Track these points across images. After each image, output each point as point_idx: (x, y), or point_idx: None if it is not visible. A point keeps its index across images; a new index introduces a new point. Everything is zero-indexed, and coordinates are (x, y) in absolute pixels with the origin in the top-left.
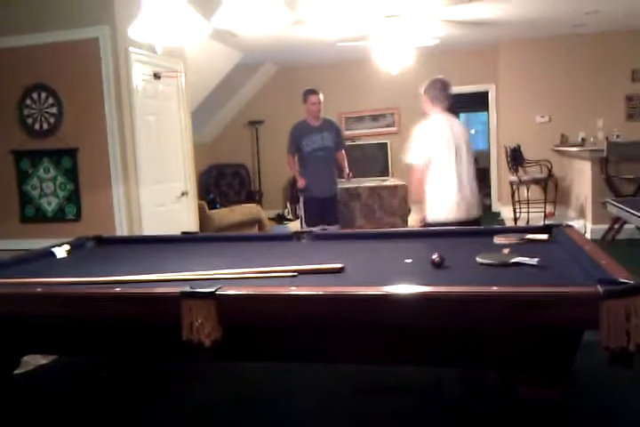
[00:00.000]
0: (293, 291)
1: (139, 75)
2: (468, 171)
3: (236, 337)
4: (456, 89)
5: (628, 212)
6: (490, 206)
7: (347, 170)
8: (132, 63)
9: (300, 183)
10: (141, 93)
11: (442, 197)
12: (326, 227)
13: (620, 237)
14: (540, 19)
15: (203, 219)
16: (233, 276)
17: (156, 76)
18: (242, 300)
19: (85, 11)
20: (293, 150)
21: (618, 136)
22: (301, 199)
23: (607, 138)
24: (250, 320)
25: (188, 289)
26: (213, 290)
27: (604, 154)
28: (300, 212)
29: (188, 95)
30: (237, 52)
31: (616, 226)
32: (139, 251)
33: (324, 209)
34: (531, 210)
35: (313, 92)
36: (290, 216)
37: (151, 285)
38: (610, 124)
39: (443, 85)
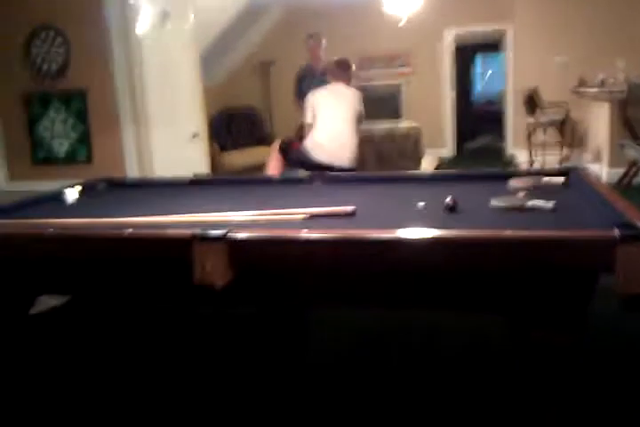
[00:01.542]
0: (304, 234)
1: (146, 15)
2: (342, 126)
3: (248, 282)
4: (471, 28)
5: None
6: (503, 150)
7: None
8: (140, 2)
9: None
10: (149, 35)
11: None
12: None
13: (637, 181)
14: None
15: (215, 161)
16: (244, 218)
17: (165, 15)
18: (253, 243)
19: None
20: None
21: (639, 76)
22: None
23: (628, 79)
24: (261, 264)
25: (198, 232)
26: (224, 232)
27: (624, 95)
28: None
29: (197, 36)
30: None
31: (633, 170)
32: (150, 194)
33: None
34: (547, 153)
35: (311, 36)
36: None
37: (162, 227)
38: (631, 64)
39: (341, 65)
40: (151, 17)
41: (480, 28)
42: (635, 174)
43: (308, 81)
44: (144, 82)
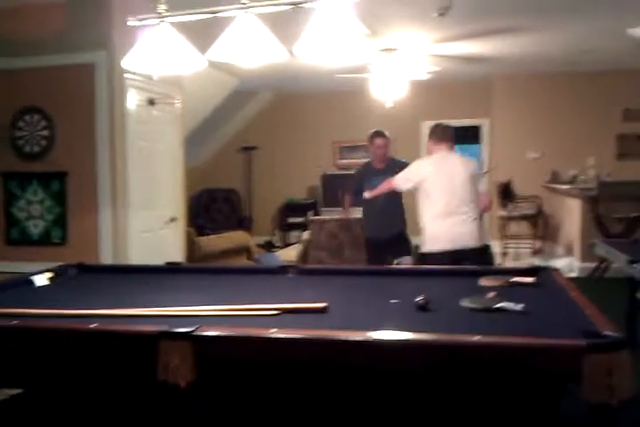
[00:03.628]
0: (273, 334)
1: (133, 101)
2: (460, 201)
3: (214, 380)
4: (449, 121)
5: (614, 254)
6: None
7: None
8: (126, 89)
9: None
10: (135, 119)
11: (427, 229)
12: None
13: (608, 275)
14: (535, 56)
15: (190, 245)
16: (214, 313)
17: (151, 102)
18: (220, 341)
19: (83, 36)
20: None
21: (609, 175)
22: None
23: (598, 177)
24: (229, 363)
25: (165, 328)
26: (191, 330)
27: (595, 193)
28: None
29: (183, 120)
30: (234, 79)
31: (603, 265)
32: (120, 281)
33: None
34: (519, 245)
35: (379, 134)
36: (279, 244)
37: (129, 321)
38: (601, 162)
39: (441, 129)
40: (138, 102)
41: (459, 123)
42: (605, 269)
43: (367, 179)
44: (126, 165)
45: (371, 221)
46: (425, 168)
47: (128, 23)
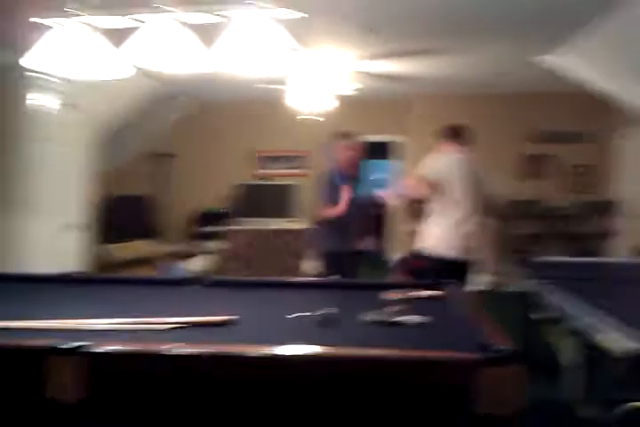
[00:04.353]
0: (169, 349)
1: (37, 101)
2: (465, 209)
3: (109, 397)
4: (367, 138)
5: (513, 270)
6: (384, 253)
7: None
8: (26, 89)
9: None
10: (41, 121)
11: (441, 233)
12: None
13: (509, 289)
14: (451, 77)
15: (95, 254)
16: (110, 326)
17: (61, 103)
18: (113, 357)
19: None
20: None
21: (516, 194)
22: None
23: (505, 196)
24: (122, 379)
25: (55, 343)
26: (81, 345)
27: (501, 211)
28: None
29: (96, 123)
30: (153, 83)
31: (504, 279)
32: (10, 291)
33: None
34: None
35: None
36: (192, 253)
37: (16, 334)
38: (509, 181)
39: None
40: (43, 103)
41: (376, 138)
42: (505, 284)
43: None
44: (26, 168)
45: (339, 232)
46: (445, 164)
47: (31, 19)
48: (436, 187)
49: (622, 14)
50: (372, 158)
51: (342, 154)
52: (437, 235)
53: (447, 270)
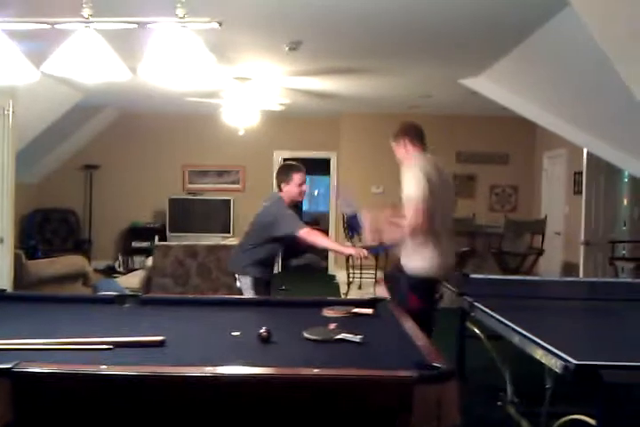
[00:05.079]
0: (101, 370)
1: None
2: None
3: (37, 419)
4: (300, 154)
5: (447, 286)
6: (325, 269)
7: None
8: None
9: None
10: None
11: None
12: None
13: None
14: (378, 96)
15: (19, 270)
16: (38, 347)
17: None
18: (41, 379)
19: None
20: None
21: None
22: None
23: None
24: (51, 402)
25: None
26: (9, 367)
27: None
28: None
29: (16, 134)
30: (77, 93)
31: (439, 296)
32: None
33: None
34: (363, 275)
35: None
36: (121, 269)
37: None
38: None
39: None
40: None
41: (309, 155)
42: (441, 297)
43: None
44: None
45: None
46: (429, 169)
47: None
48: (432, 214)
49: (538, 41)
50: (312, 174)
51: (297, 187)
52: (423, 265)
53: (421, 288)
